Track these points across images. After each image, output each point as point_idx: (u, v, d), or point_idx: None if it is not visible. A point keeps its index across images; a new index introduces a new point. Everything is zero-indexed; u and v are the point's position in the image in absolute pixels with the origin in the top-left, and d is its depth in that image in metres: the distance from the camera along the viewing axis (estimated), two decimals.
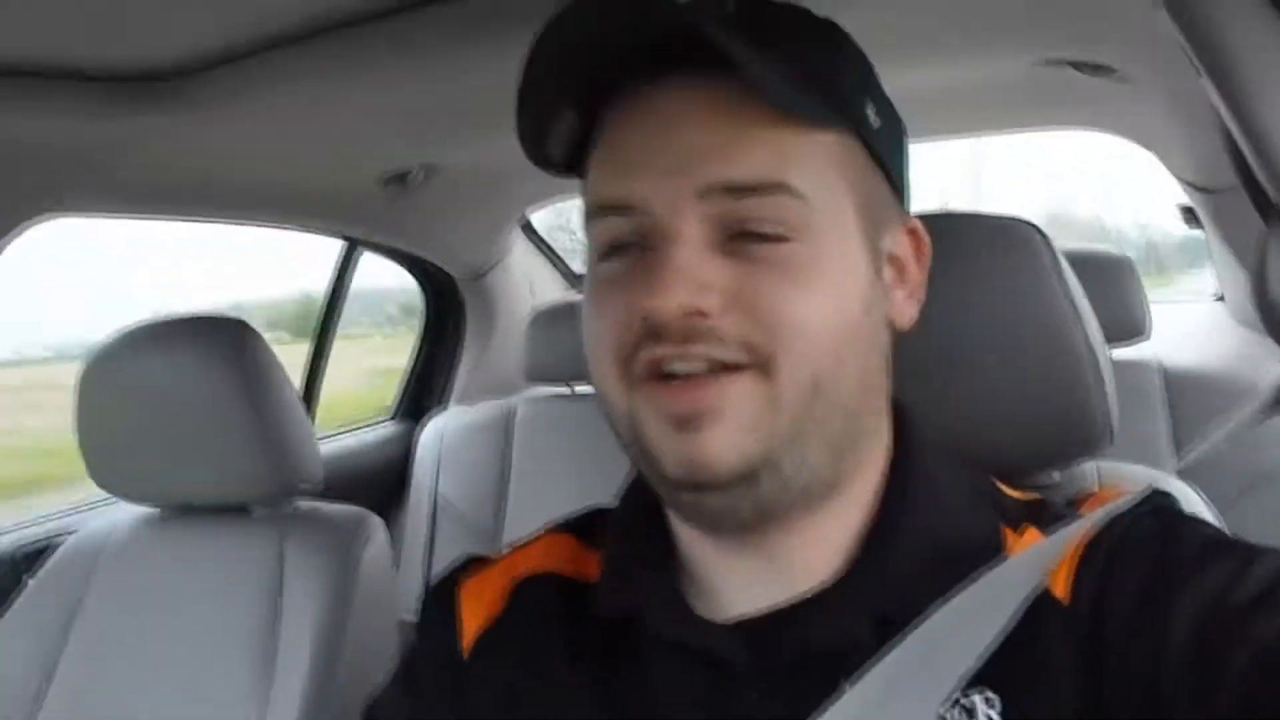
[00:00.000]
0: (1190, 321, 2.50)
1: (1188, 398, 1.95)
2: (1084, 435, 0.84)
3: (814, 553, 0.63)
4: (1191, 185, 2.13)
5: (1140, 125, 1.98)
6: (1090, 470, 0.92)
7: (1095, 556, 0.59)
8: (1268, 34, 0.66)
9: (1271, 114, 0.66)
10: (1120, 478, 0.90)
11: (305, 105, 1.37)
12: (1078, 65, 1.51)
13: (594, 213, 0.63)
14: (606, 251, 0.63)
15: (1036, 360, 0.82)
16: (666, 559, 0.68)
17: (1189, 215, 2.31)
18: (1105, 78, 1.54)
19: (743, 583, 0.64)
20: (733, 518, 0.60)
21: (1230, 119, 0.70)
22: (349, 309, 2.50)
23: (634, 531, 0.70)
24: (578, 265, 3.08)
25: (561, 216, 3.07)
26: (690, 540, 0.67)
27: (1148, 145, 2.09)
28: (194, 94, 1.20)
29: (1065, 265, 0.83)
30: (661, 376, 0.59)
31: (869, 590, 0.61)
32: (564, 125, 0.65)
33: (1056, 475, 0.90)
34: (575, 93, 0.63)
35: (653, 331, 0.58)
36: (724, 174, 0.58)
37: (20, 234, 1.44)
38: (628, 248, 0.61)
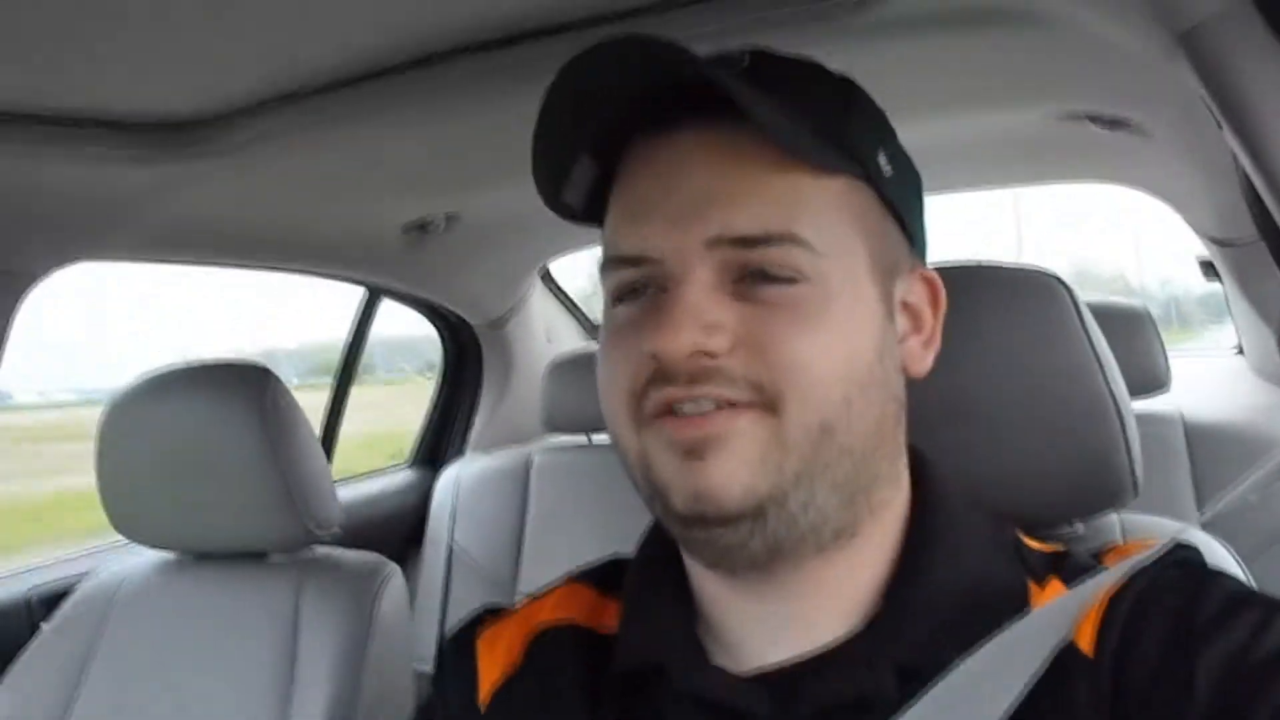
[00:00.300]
0: (1210, 374, 2.49)
1: (1209, 450, 1.94)
2: (1109, 487, 0.83)
3: (833, 601, 0.63)
4: (1210, 238, 2.13)
5: (1159, 178, 1.98)
6: (1113, 522, 0.91)
7: (1119, 609, 0.59)
8: None
9: None
10: (1144, 530, 0.90)
11: (330, 153, 1.39)
12: (1096, 119, 1.51)
13: (608, 264, 0.64)
14: (620, 295, 0.63)
15: (1061, 412, 0.82)
16: (686, 608, 0.68)
17: (1208, 269, 2.30)
18: (1124, 131, 1.55)
19: (763, 631, 0.64)
20: (744, 555, 0.59)
21: (1253, 171, 0.71)
22: (391, 354, 2.51)
23: (653, 580, 0.70)
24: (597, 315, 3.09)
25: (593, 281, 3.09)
26: (709, 587, 0.66)
27: (1167, 198, 2.10)
28: (221, 141, 1.22)
29: (1089, 317, 0.83)
30: (670, 413, 0.59)
31: (892, 641, 0.61)
32: (581, 173, 0.66)
33: (1080, 527, 0.89)
34: (591, 141, 0.64)
35: (662, 372, 0.58)
36: (731, 225, 0.58)
37: (48, 277, 1.46)
38: (640, 291, 0.62)
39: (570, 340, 3.00)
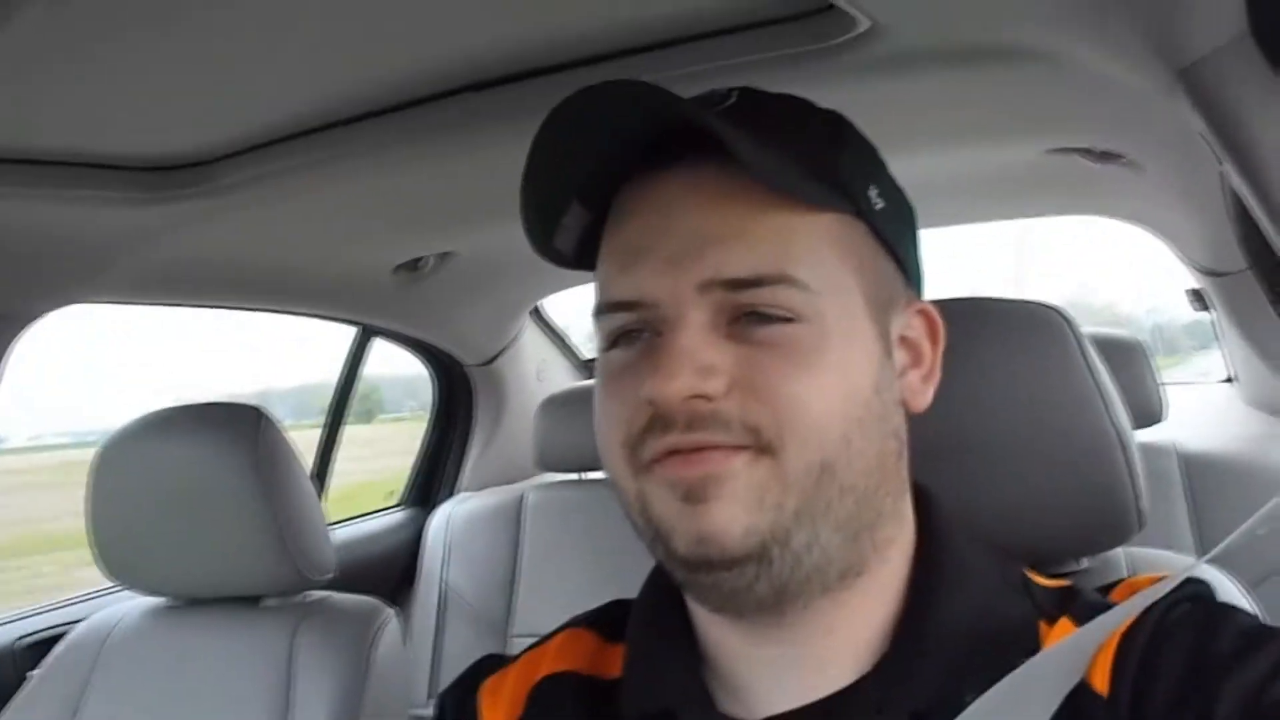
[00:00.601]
0: (1201, 404, 2.49)
1: (1206, 481, 1.93)
2: (1115, 522, 0.83)
3: (842, 643, 0.62)
4: (1200, 269, 2.13)
5: (1150, 211, 1.99)
6: (1119, 557, 0.90)
7: (1133, 646, 0.58)
8: None
9: None
10: (1151, 564, 0.89)
11: (323, 194, 1.38)
12: (1089, 153, 1.52)
13: (601, 309, 0.63)
14: (614, 340, 0.63)
15: (1065, 446, 0.81)
16: (691, 654, 0.67)
17: (1197, 298, 2.31)
18: (1116, 165, 1.56)
19: (772, 676, 0.63)
20: (750, 598, 0.58)
21: (1255, 204, 0.71)
22: (395, 392, 2.52)
23: (657, 626, 0.69)
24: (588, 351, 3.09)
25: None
26: (715, 632, 0.65)
27: (1157, 230, 2.11)
28: (214, 183, 1.22)
29: (1091, 350, 0.83)
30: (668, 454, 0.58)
31: (902, 684, 0.60)
32: (572, 219, 0.65)
33: (1085, 562, 0.89)
34: (580, 186, 0.64)
35: (659, 418, 0.58)
36: (724, 269, 0.58)
37: (42, 319, 1.45)
38: (635, 335, 0.61)
39: (562, 378, 2.99)
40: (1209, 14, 0.70)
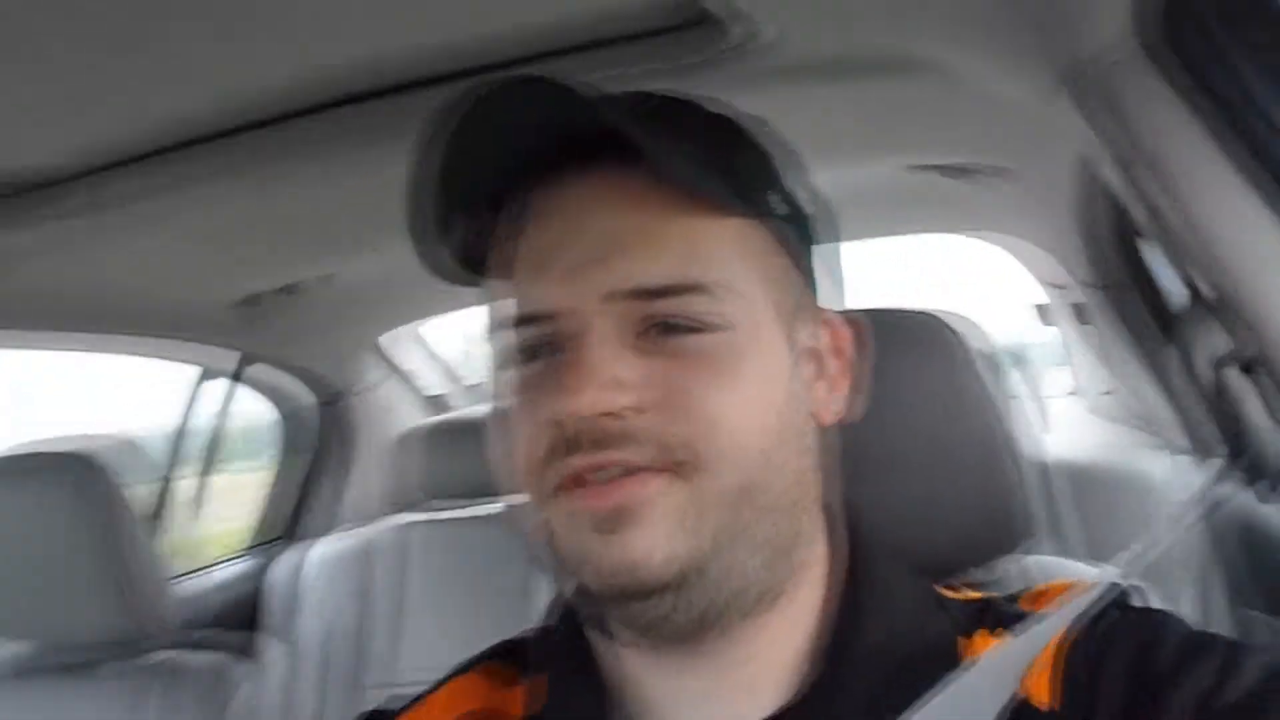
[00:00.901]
0: (1052, 417, 2.59)
1: (1065, 489, 2.00)
2: (1009, 530, 0.83)
3: (762, 669, 0.59)
4: (1055, 284, 2.20)
5: (1007, 227, 2.04)
6: (1010, 565, 0.90)
7: (1075, 656, 0.58)
8: (1182, 127, 0.67)
9: (1192, 203, 0.67)
10: (1047, 572, 0.89)
11: (156, 224, 1.30)
12: (944, 170, 1.55)
13: (499, 325, 0.59)
14: (514, 359, 0.59)
15: (957, 455, 0.81)
16: (604, 692, 0.62)
17: (1044, 314, 2.40)
18: (971, 182, 1.59)
19: (690, 708, 0.59)
20: (667, 627, 0.55)
21: (1137, 212, 0.71)
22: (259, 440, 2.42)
23: (565, 663, 0.64)
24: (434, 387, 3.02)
25: None
26: (627, 665, 0.61)
27: (1013, 247, 2.17)
28: (45, 211, 1.12)
29: (979, 359, 0.83)
30: (577, 480, 0.55)
31: (829, 709, 0.57)
32: (461, 230, 0.61)
33: (976, 572, 0.88)
34: (473, 195, 0.60)
35: (566, 440, 0.54)
36: (629, 277, 0.55)
37: None
38: (537, 351, 0.58)
39: (408, 414, 2.91)
40: (1096, 22, 0.70)
